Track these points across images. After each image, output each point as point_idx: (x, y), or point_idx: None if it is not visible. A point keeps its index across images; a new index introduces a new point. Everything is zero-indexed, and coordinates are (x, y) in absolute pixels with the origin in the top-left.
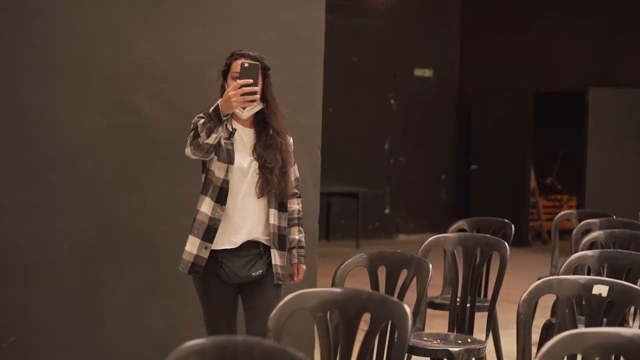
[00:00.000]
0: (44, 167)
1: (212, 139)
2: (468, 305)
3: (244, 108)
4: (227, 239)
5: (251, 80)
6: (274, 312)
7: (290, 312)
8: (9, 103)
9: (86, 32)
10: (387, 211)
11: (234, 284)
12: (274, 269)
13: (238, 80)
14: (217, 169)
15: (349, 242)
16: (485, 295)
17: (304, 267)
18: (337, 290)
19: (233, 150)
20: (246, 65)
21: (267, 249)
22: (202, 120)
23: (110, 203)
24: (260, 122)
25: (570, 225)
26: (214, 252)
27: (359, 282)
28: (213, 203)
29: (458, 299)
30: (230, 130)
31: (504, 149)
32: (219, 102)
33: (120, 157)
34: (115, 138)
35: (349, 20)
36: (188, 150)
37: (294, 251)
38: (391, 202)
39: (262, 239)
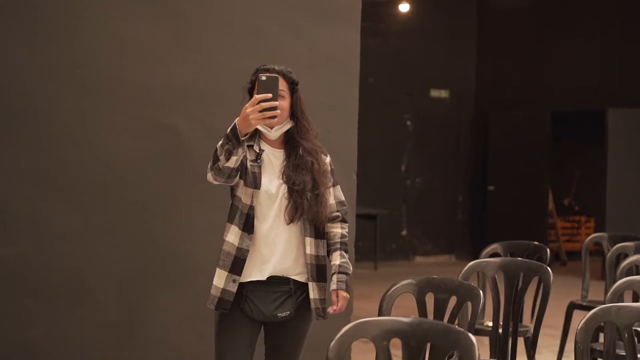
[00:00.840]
0: (82, 190)
1: (232, 162)
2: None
3: (271, 127)
4: (255, 271)
5: (270, 95)
6: (333, 342)
7: (351, 341)
8: (45, 125)
9: (123, 53)
10: (404, 233)
11: (257, 321)
12: (312, 304)
13: (256, 95)
14: (244, 194)
15: (367, 263)
16: (521, 320)
17: (345, 294)
18: (399, 319)
19: (260, 173)
20: (264, 78)
21: (299, 286)
22: (220, 142)
23: (148, 225)
24: (289, 142)
25: (594, 247)
26: (240, 284)
27: (404, 309)
28: (240, 232)
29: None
30: (257, 151)
31: (521, 169)
32: (236, 120)
33: (157, 178)
34: (151, 159)
35: (365, 41)
36: (209, 176)
37: (334, 277)
38: (408, 223)
39: (293, 274)
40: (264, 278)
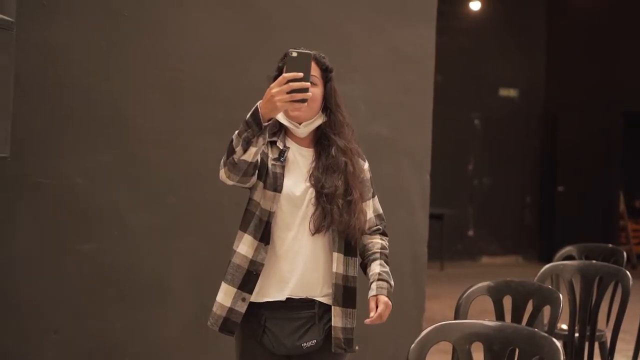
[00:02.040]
0: (163, 190)
1: (250, 155)
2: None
3: (299, 122)
4: (273, 289)
5: (301, 74)
6: (414, 345)
7: (432, 344)
8: (130, 125)
9: (206, 53)
10: (470, 233)
11: (281, 355)
12: (333, 333)
13: (284, 74)
14: (263, 198)
15: (433, 263)
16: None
17: (386, 299)
18: (482, 322)
19: (282, 174)
20: (294, 54)
21: (326, 309)
22: (238, 130)
23: (227, 225)
24: (321, 140)
25: None
26: (255, 307)
27: (480, 312)
28: (256, 242)
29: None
30: (281, 148)
31: (592, 170)
32: (258, 104)
33: None
34: None
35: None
36: (222, 173)
37: (373, 284)
38: (474, 223)
39: (318, 295)
40: (283, 298)
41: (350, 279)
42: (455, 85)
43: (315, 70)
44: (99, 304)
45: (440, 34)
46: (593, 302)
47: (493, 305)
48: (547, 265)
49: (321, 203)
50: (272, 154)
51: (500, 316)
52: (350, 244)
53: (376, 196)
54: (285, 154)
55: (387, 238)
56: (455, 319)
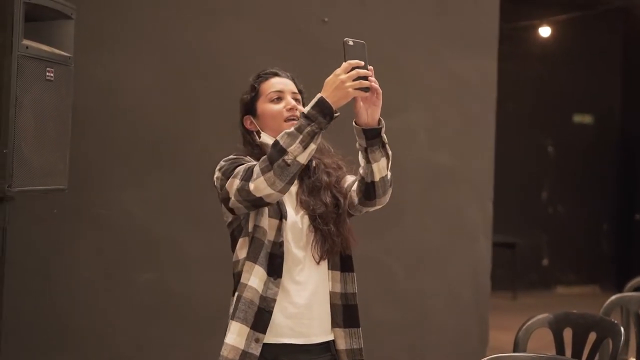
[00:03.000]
0: (219, 219)
1: (306, 154)
2: None
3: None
4: (287, 329)
5: (362, 62)
6: None
7: None
8: (186, 156)
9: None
10: (545, 262)
11: None
12: (342, 357)
13: (349, 61)
14: (269, 227)
15: (504, 293)
16: None
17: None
18: (538, 355)
19: (283, 200)
20: (351, 42)
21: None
22: (291, 130)
23: None
24: None
25: None
26: (269, 349)
27: (541, 343)
28: (266, 276)
29: None
30: None
31: None
32: (320, 95)
33: None
34: None
35: (503, 65)
36: (259, 183)
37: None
38: (549, 252)
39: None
40: (300, 341)
41: (349, 297)
42: (528, 111)
43: (295, 88)
44: (158, 333)
45: (511, 60)
46: None
47: (553, 337)
48: (614, 297)
49: (318, 226)
50: None
51: (560, 349)
52: (345, 260)
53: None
54: None
55: None
56: (514, 351)
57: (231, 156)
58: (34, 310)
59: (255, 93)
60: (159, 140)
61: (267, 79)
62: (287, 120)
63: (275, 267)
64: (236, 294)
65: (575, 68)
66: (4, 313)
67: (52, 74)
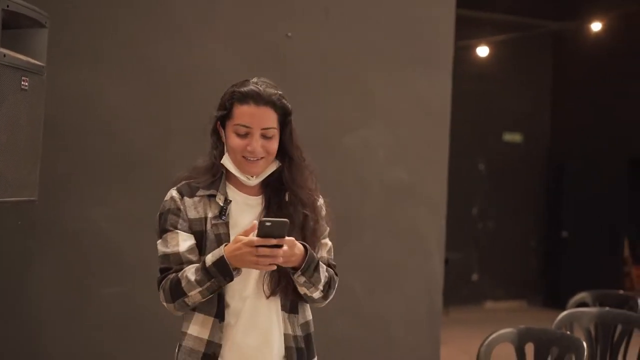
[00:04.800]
0: None
1: (208, 298)
2: None
3: (257, 174)
4: None
5: (274, 241)
6: None
7: None
8: (155, 171)
9: None
10: (474, 277)
11: None
12: None
13: (253, 238)
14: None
15: None
16: None
17: (296, 248)
18: None
19: (228, 234)
20: (268, 224)
21: None
22: (190, 275)
23: None
24: (271, 184)
25: None
26: None
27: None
28: (210, 319)
29: None
30: (221, 204)
31: (596, 215)
32: (223, 250)
33: None
34: None
35: None
36: (169, 307)
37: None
38: (479, 268)
39: None
40: None
41: (299, 340)
42: (461, 129)
43: (271, 118)
44: (126, 347)
45: None
46: (611, 352)
47: (515, 352)
48: (565, 313)
49: None
50: (211, 211)
51: None
52: (295, 301)
53: (328, 230)
54: (228, 210)
55: (336, 279)
56: None
57: (160, 213)
58: (2, 325)
59: (226, 112)
60: (128, 155)
61: (241, 102)
62: (244, 158)
63: (220, 309)
64: (177, 343)
65: (507, 88)
66: None
67: (26, 84)
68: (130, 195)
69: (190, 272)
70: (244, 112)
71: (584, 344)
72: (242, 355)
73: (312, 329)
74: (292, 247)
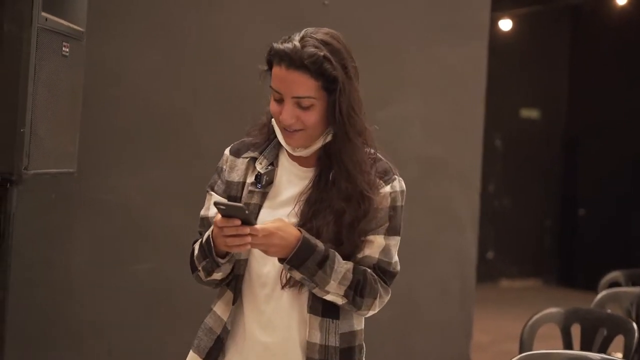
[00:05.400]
0: None
1: (217, 276)
2: None
3: (294, 146)
4: None
5: (238, 222)
6: None
7: None
8: (188, 143)
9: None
10: (490, 255)
11: None
12: None
13: (216, 220)
14: None
15: None
16: None
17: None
18: (563, 352)
19: (259, 205)
20: (222, 207)
21: None
22: (196, 247)
23: None
24: (325, 158)
25: None
26: None
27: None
28: (232, 298)
29: None
30: (260, 170)
31: (614, 193)
32: (211, 230)
33: None
34: None
35: None
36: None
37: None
38: (495, 246)
39: None
40: None
41: (330, 351)
42: None
43: (305, 86)
44: (153, 324)
45: None
46: None
47: (561, 333)
48: (604, 292)
49: None
50: (250, 177)
51: (568, 345)
52: (331, 303)
53: (396, 238)
54: (263, 178)
55: (387, 292)
56: (520, 348)
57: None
58: (33, 302)
59: (268, 69)
60: (162, 126)
61: (275, 61)
62: (283, 127)
63: (236, 290)
64: None
65: (524, 63)
66: (9, 305)
67: (67, 50)
68: (162, 168)
69: (197, 245)
70: (275, 75)
71: (634, 325)
72: (248, 353)
73: (358, 341)
74: (268, 236)
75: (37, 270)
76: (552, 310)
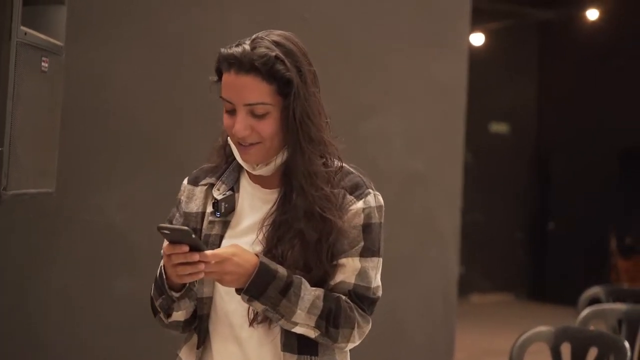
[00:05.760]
0: None
1: (179, 316)
2: None
3: (252, 163)
4: None
5: (186, 247)
6: None
7: None
8: (172, 160)
9: None
10: (461, 270)
11: None
12: None
13: (164, 247)
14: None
15: None
16: None
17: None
18: None
19: (220, 236)
20: (166, 231)
21: None
22: (153, 285)
23: None
24: (287, 177)
25: None
26: None
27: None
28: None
29: None
30: (217, 195)
31: (583, 207)
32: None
33: None
34: None
35: None
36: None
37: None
38: (466, 260)
39: None
40: None
41: None
42: None
43: (258, 91)
44: (134, 345)
45: None
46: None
47: (550, 352)
48: (590, 310)
49: None
50: (209, 206)
51: None
52: (308, 338)
53: (374, 259)
54: (222, 206)
55: (366, 320)
56: None
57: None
58: (7, 322)
59: (218, 79)
60: (141, 144)
61: (225, 68)
62: (238, 142)
63: (200, 334)
64: None
65: (493, 77)
66: None
67: (46, 65)
68: (145, 187)
69: (154, 282)
70: (225, 83)
71: (626, 344)
72: None
73: None
74: (221, 263)
75: (15, 293)
76: (542, 328)
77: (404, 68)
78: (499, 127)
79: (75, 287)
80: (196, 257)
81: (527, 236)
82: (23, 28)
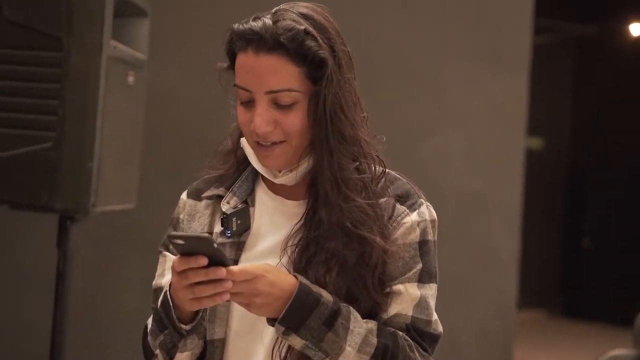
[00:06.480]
0: None
1: (183, 358)
2: None
3: (275, 167)
4: None
5: (205, 260)
6: None
7: None
8: None
9: None
10: None
11: None
12: None
13: (174, 262)
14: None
15: None
16: None
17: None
18: None
19: (236, 260)
20: (180, 241)
21: None
22: (150, 323)
23: None
24: (314, 189)
25: None
26: None
27: None
28: None
29: None
30: (230, 210)
31: (621, 224)
32: (169, 287)
33: None
34: None
35: None
36: None
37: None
38: None
39: None
40: None
41: None
42: None
43: (284, 75)
44: None
45: None
46: None
47: None
48: None
49: None
50: (217, 224)
51: None
52: None
53: (432, 286)
54: (233, 222)
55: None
56: None
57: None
58: (79, 340)
59: (230, 64)
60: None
61: (240, 48)
62: (256, 142)
63: None
64: None
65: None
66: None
67: (132, 78)
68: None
69: (150, 319)
70: (241, 66)
71: None
72: None
73: None
74: (251, 282)
75: (81, 309)
76: (617, 352)
77: (463, 85)
78: (532, 143)
79: (147, 310)
80: (223, 272)
81: (561, 252)
82: (113, 42)
